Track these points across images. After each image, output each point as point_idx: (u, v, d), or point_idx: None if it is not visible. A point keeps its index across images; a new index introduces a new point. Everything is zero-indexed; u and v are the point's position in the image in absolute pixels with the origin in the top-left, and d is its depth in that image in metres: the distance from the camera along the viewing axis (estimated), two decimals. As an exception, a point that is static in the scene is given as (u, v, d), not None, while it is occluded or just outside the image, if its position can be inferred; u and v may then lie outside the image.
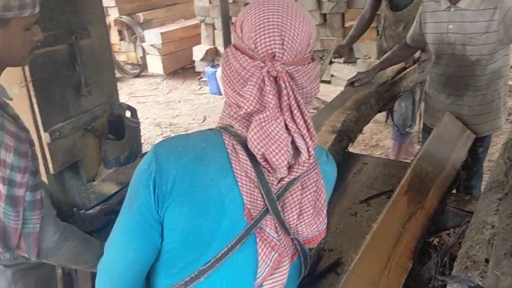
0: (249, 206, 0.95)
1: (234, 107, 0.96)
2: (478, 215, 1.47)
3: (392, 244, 1.54)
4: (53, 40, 2.01)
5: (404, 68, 3.21)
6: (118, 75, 7.49)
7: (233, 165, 0.95)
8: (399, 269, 1.49)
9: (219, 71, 6.12)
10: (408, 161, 2.54)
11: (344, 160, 2.23)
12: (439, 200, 1.87)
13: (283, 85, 0.90)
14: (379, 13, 3.71)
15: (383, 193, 1.97)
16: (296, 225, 1.00)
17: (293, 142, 0.92)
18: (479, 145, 2.52)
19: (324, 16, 5.91)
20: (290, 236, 0.99)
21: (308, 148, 0.93)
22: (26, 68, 1.94)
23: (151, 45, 7.06)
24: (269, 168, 0.94)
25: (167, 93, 6.64)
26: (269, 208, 0.95)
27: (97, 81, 2.27)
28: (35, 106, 1.99)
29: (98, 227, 1.73)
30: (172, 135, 4.92)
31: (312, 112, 5.28)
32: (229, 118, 0.98)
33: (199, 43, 7.07)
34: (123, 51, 7.84)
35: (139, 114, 5.50)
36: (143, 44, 7.23)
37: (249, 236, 0.96)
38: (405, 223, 1.65)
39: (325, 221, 1.03)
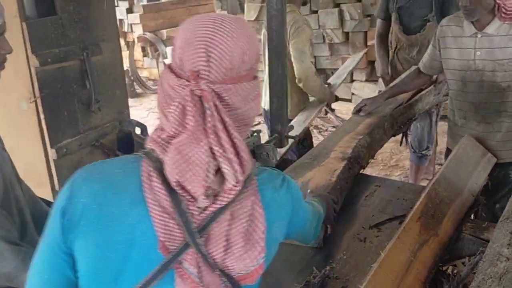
0: (162, 239, 0.86)
1: (158, 130, 0.90)
2: (493, 246, 1.38)
3: (401, 274, 1.46)
4: (64, 56, 2.02)
5: (421, 90, 3.09)
6: (139, 90, 7.58)
7: (146, 194, 0.87)
8: (407, 301, 1.41)
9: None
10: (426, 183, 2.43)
11: (356, 182, 2.16)
12: (455, 227, 1.78)
13: (206, 105, 0.83)
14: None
15: (396, 218, 1.88)
16: (224, 259, 0.88)
17: (220, 168, 0.85)
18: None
19: (346, 34, 5.86)
20: (216, 272, 0.88)
21: (235, 174, 0.85)
22: (36, 84, 1.94)
23: (173, 62, 7.11)
24: (189, 197, 0.86)
25: (187, 109, 6.65)
26: (188, 241, 0.86)
27: (108, 97, 2.27)
28: (43, 122, 2.00)
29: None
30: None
31: (330, 130, 5.22)
32: (151, 142, 0.90)
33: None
34: (146, 67, 7.93)
35: (157, 130, 5.51)
36: (165, 61, 7.30)
37: (167, 273, 0.87)
38: (416, 251, 1.57)
39: (262, 254, 0.91)
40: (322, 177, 1.91)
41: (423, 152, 3.56)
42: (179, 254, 0.86)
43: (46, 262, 0.92)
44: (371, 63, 5.36)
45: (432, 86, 3.05)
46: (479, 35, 2.24)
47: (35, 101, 1.97)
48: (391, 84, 2.87)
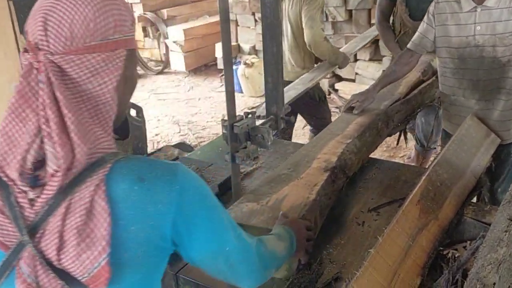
0: None
1: None
2: (494, 230, 1.33)
3: (399, 259, 1.42)
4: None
5: (421, 82, 2.89)
6: (141, 72, 7.51)
7: None
8: (404, 287, 1.37)
9: (240, 69, 6.04)
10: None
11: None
12: (456, 210, 1.73)
13: (39, 77, 0.77)
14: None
15: (395, 201, 1.83)
16: (59, 259, 0.78)
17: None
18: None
19: (349, 12, 5.75)
20: (51, 274, 0.78)
21: (56, 157, 0.77)
22: (25, 65, 1.89)
23: (174, 42, 7.03)
24: (18, 188, 0.79)
25: (188, 91, 6.60)
26: (20, 238, 0.78)
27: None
28: (34, 104, 1.95)
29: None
30: (190, 133, 4.87)
31: (334, 112, 5.14)
32: None
33: (222, 40, 7.01)
34: (147, 48, 7.84)
35: (158, 112, 5.52)
36: (166, 41, 7.22)
37: (10, 272, 0.80)
38: (415, 236, 1.52)
39: (104, 255, 0.78)
40: (300, 193, 1.65)
41: (430, 145, 3.47)
42: (17, 251, 0.79)
43: None
44: (375, 41, 5.25)
45: (434, 78, 2.84)
46: (478, 9, 2.17)
47: (26, 83, 1.91)
48: (381, 75, 2.63)
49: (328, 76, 5.96)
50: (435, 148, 3.52)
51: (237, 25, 6.70)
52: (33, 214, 0.79)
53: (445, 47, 2.34)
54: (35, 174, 0.79)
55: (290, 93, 3.37)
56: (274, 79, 1.73)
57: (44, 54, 0.78)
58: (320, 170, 1.79)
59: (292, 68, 3.55)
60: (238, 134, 1.63)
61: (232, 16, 6.62)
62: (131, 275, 0.85)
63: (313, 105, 3.69)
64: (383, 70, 4.38)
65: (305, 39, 3.30)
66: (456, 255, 1.59)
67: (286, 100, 3.39)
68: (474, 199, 1.93)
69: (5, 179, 0.80)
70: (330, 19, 5.74)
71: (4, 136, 0.79)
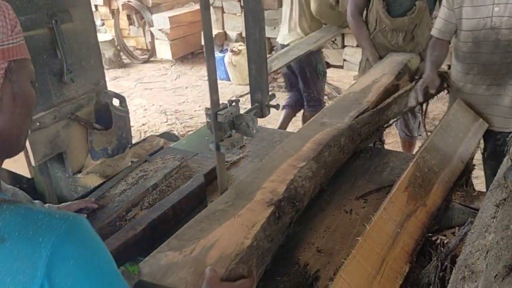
0: None
1: None
2: (482, 216, 1.32)
3: (386, 247, 1.40)
4: (31, 24, 1.90)
5: (396, 86, 2.51)
6: (127, 60, 7.41)
7: None
8: (393, 274, 1.36)
9: (227, 56, 5.97)
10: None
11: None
12: (444, 196, 1.72)
13: None
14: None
15: (383, 188, 1.81)
16: None
17: None
18: None
19: (336, -2, 5.70)
20: None
21: None
22: (1, 55, 1.83)
23: (159, 30, 6.93)
24: None
25: (175, 79, 6.53)
26: None
27: (82, 67, 2.15)
28: (12, 95, 1.89)
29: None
30: (178, 122, 4.82)
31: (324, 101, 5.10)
32: None
33: (208, 27, 6.92)
34: (132, 36, 7.73)
35: (145, 101, 5.45)
36: (152, 29, 7.11)
37: None
38: (403, 223, 1.51)
39: None
40: (233, 237, 1.31)
41: (415, 134, 3.43)
42: None
43: None
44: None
45: (413, 83, 2.49)
46: None
47: (3, 73, 1.85)
48: (430, 63, 2.42)
49: (316, 62, 5.92)
50: (420, 135, 3.47)
51: (223, 12, 6.62)
52: None
53: (462, 31, 2.29)
54: None
55: (293, 52, 3.33)
56: (258, 66, 1.68)
57: None
58: (263, 205, 1.45)
59: (298, 36, 3.51)
60: (222, 123, 1.59)
61: (218, 3, 6.55)
62: None
63: (312, 78, 3.65)
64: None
65: (312, 10, 3.30)
66: (444, 241, 1.58)
67: (289, 59, 3.39)
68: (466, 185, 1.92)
69: None
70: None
71: None
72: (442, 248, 1.49)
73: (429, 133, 2.26)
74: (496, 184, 1.37)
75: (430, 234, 1.59)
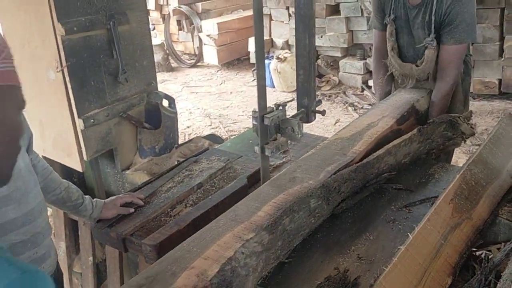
0: None
1: None
2: (530, 232, 1.28)
3: (429, 257, 1.39)
4: (90, 25, 1.99)
5: (397, 132, 2.10)
6: (174, 64, 7.59)
7: None
8: (435, 286, 1.34)
9: (273, 63, 6.02)
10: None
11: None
12: (490, 210, 1.68)
13: None
14: None
15: (427, 200, 1.79)
16: None
17: None
18: None
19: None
20: None
21: None
22: (62, 53, 1.93)
23: (208, 35, 7.07)
24: None
25: (220, 84, 6.63)
26: None
27: (135, 68, 2.24)
28: (70, 91, 1.99)
29: (109, 217, 1.68)
30: (221, 126, 4.89)
31: (366, 109, 5.06)
32: None
33: (255, 34, 7.00)
34: (181, 41, 7.91)
35: (190, 104, 5.57)
36: (200, 34, 7.26)
37: None
38: (447, 235, 1.49)
39: None
40: None
41: None
42: None
43: None
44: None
45: (415, 131, 2.03)
46: None
47: (62, 70, 1.96)
48: None
49: (362, 72, 5.88)
50: None
51: (270, 19, 6.67)
52: None
53: None
54: None
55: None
56: (306, 71, 1.71)
57: None
58: None
59: None
60: (268, 126, 1.62)
61: (265, 10, 6.61)
62: None
63: None
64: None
65: None
66: (489, 256, 1.54)
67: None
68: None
69: None
70: (365, 14, 5.64)
71: None
72: (486, 263, 1.46)
73: (476, 147, 2.15)
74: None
75: (474, 249, 1.56)
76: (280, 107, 1.67)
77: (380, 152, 1.86)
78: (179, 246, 1.34)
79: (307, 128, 1.90)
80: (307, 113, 1.79)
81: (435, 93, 2.44)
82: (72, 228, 2.33)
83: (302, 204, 1.51)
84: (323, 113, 1.81)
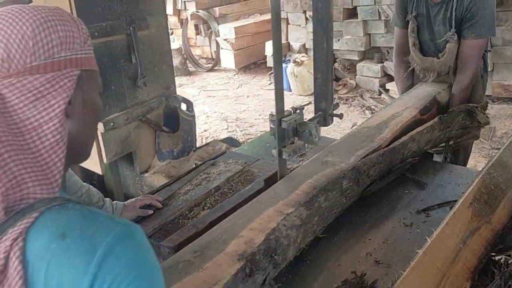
0: None
1: None
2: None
3: (448, 262, 1.38)
4: (111, 30, 2.03)
5: (419, 122, 2.23)
6: (192, 68, 7.65)
7: None
8: (454, 290, 1.33)
9: (289, 67, 6.03)
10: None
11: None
12: (510, 215, 1.66)
13: None
14: None
15: (446, 203, 1.78)
16: None
17: None
18: None
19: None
20: None
21: None
22: (83, 58, 1.97)
23: (225, 40, 7.11)
24: None
25: (237, 88, 6.66)
26: None
27: (154, 72, 2.27)
28: (91, 95, 2.02)
29: (129, 218, 1.70)
30: (238, 130, 4.91)
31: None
32: None
33: (272, 38, 7.01)
34: (199, 45, 7.97)
35: (208, 108, 5.60)
36: (217, 39, 7.30)
37: None
38: (466, 239, 1.48)
39: None
40: None
41: None
42: None
43: None
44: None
45: (436, 119, 2.21)
46: None
47: (83, 75, 1.99)
48: None
49: (379, 75, 5.85)
50: None
51: (287, 23, 6.69)
52: None
53: None
54: None
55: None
56: (324, 75, 1.72)
57: None
58: (233, 257, 1.26)
59: None
60: (286, 129, 1.63)
61: (283, 14, 6.62)
62: None
63: None
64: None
65: None
66: (509, 261, 1.53)
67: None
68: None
69: None
70: (383, 18, 5.62)
71: None
72: (506, 268, 1.44)
73: (496, 151, 2.16)
74: None
75: (493, 253, 1.55)
76: (298, 111, 1.68)
77: (404, 138, 2.00)
78: (225, 220, 1.48)
79: (324, 131, 1.95)
80: (324, 116, 1.79)
81: (456, 86, 2.54)
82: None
83: (335, 184, 1.64)
84: (340, 116, 1.81)
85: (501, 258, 1.59)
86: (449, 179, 1.97)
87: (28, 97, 0.73)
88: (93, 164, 2.20)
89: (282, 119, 1.63)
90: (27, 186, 0.71)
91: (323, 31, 1.66)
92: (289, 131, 1.64)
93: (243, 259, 1.25)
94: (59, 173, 0.76)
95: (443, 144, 2.37)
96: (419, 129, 2.09)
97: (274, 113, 1.64)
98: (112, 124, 2.09)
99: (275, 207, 1.50)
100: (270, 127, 1.67)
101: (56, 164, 0.75)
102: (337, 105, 1.86)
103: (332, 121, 1.83)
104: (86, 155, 0.88)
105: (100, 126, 2.06)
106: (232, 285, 1.19)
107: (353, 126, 4.93)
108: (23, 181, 0.71)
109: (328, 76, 1.73)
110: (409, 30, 2.61)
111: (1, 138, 0.70)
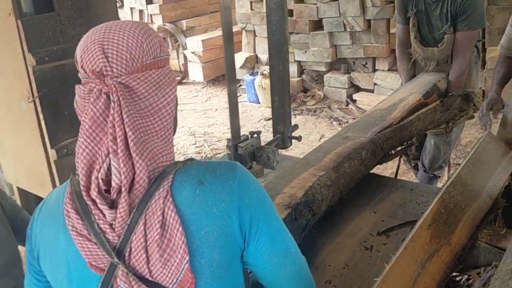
0: (88, 260, 0.86)
1: None
2: (506, 261, 1.26)
3: (407, 288, 1.36)
4: (62, 54, 1.96)
5: (423, 105, 2.59)
6: (160, 82, 7.55)
7: (66, 220, 0.88)
8: (413, 318, 1.31)
9: (257, 79, 6.02)
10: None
11: (366, 183, 2.05)
12: (469, 234, 1.66)
13: (111, 98, 0.84)
14: None
15: (406, 224, 1.77)
16: (150, 272, 0.85)
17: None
18: None
19: (368, 22, 5.68)
20: (146, 285, 0.85)
21: (119, 171, 0.82)
22: (33, 83, 1.90)
23: (192, 53, 7.06)
24: (100, 214, 0.85)
25: (206, 101, 6.61)
26: (112, 260, 0.85)
27: (110, 95, 2.21)
28: (42, 122, 1.95)
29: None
30: (206, 145, 4.83)
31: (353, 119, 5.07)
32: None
33: (240, 50, 7.00)
34: (166, 58, 7.89)
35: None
36: (185, 52, 7.24)
37: None
38: (425, 263, 1.46)
39: (184, 262, 0.84)
40: None
41: (435, 172, 3.21)
42: (111, 271, 0.86)
43: (28, 283, 1.01)
44: (394, 51, 5.16)
45: (438, 102, 2.64)
46: None
47: (34, 101, 1.92)
48: (496, 80, 2.60)
49: (346, 86, 5.90)
50: (440, 176, 3.27)
51: (255, 35, 6.69)
52: (116, 237, 0.85)
53: None
54: (109, 197, 0.84)
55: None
56: (281, 98, 1.70)
57: (110, 78, 0.84)
58: (281, 207, 1.55)
59: None
60: (243, 155, 1.60)
61: (250, 27, 6.63)
62: (212, 281, 0.88)
63: None
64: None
65: None
66: (469, 282, 1.52)
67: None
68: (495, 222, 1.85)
69: (89, 202, 0.85)
70: (348, 29, 5.67)
71: (84, 160, 0.84)
72: (466, 289, 1.44)
73: (457, 166, 2.21)
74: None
75: (455, 274, 1.54)
76: (255, 135, 1.65)
77: (412, 117, 2.38)
78: (269, 181, 1.77)
79: (293, 144, 2.05)
80: (283, 139, 1.77)
81: (452, 73, 2.88)
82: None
83: (356, 154, 1.97)
84: (299, 139, 1.79)
85: (461, 278, 1.58)
86: (410, 197, 1.97)
87: (151, 87, 0.88)
88: (47, 192, 2.11)
89: (239, 144, 1.59)
90: (158, 157, 0.88)
91: (278, 54, 1.64)
92: (246, 156, 1.61)
93: (289, 208, 1.54)
94: (172, 145, 0.93)
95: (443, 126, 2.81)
96: (423, 110, 2.49)
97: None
98: (65, 150, 2.01)
99: (309, 171, 1.80)
100: (227, 153, 1.64)
101: (171, 137, 0.93)
102: (296, 126, 1.84)
103: (291, 143, 1.81)
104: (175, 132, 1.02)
105: (53, 153, 1.99)
106: (286, 223, 1.39)
107: (321, 138, 4.94)
108: (155, 154, 0.88)
109: (285, 98, 1.71)
110: (410, 25, 2.95)
111: (136, 122, 0.85)
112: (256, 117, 5.67)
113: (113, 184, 0.83)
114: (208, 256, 0.87)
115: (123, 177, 0.82)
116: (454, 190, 1.76)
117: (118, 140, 0.82)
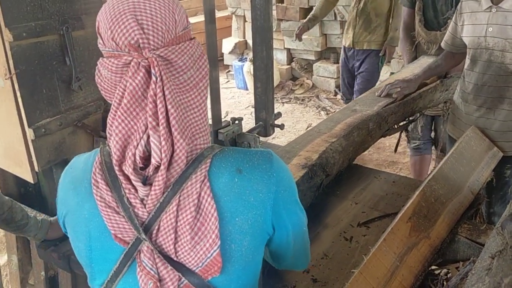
0: (113, 232, 0.86)
1: None
2: (484, 257, 1.25)
3: (383, 281, 1.35)
4: (41, 31, 1.89)
5: (424, 85, 2.73)
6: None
7: (93, 189, 0.87)
8: (388, 311, 1.30)
9: (246, 65, 5.96)
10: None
11: (348, 174, 2.03)
12: (449, 228, 1.65)
13: (153, 71, 0.80)
14: None
15: (386, 216, 1.76)
16: (176, 252, 0.85)
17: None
18: (508, 166, 2.25)
19: (358, 12, 5.64)
20: (170, 264, 0.85)
21: (159, 150, 0.80)
22: (10, 60, 1.83)
23: (181, 36, 6.97)
24: (131, 188, 0.84)
25: (193, 86, 6.54)
26: (138, 235, 0.84)
27: (91, 75, 2.13)
28: (19, 100, 1.89)
29: (55, 237, 1.60)
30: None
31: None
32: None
33: (230, 35, 6.93)
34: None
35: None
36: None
37: (131, 263, 0.88)
38: (403, 256, 1.45)
39: (215, 247, 0.84)
40: None
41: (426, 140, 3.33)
42: (136, 245, 0.86)
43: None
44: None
45: (438, 81, 2.76)
46: (493, 9, 2.09)
47: (11, 78, 1.86)
48: (424, 68, 2.61)
49: (335, 76, 5.87)
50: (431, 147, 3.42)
51: (244, 20, 6.62)
52: (146, 213, 0.84)
53: (467, 48, 2.28)
54: (144, 173, 0.83)
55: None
56: (264, 84, 1.66)
57: (148, 50, 0.81)
58: (298, 167, 1.73)
59: None
60: (224, 141, 1.56)
61: (240, 12, 6.56)
62: (239, 265, 0.88)
63: None
64: (391, 72, 4.27)
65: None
66: (448, 275, 1.52)
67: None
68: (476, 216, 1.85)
69: (121, 177, 0.84)
70: (338, 18, 5.63)
71: (119, 135, 0.82)
72: (442, 284, 1.43)
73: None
74: (496, 232, 1.30)
75: (434, 268, 1.54)
76: (236, 121, 1.61)
77: (414, 94, 2.57)
78: (286, 145, 2.01)
79: (278, 132, 2.12)
80: (265, 126, 1.73)
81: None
82: (24, 241, 2.23)
83: (364, 124, 2.16)
84: (281, 127, 1.76)
85: (440, 272, 1.58)
86: (392, 189, 1.96)
87: (187, 60, 0.85)
88: (24, 172, 2.06)
89: (219, 130, 1.56)
90: (196, 138, 0.86)
91: (262, 40, 1.60)
92: (226, 142, 1.57)
93: (305, 168, 1.72)
94: (208, 126, 0.90)
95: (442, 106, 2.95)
96: (425, 88, 2.66)
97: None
98: (43, 130, 1.95)
99: (322, 137, 1.99)
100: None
101: (207, 116, 0.90)
102: (279, 114, 1.80)
103: (274, 131, 1.78)
104: None
105: (31, 133, 1.93)
106: (302, 183, 1.66)
107: (308, 127, 4.92)
108: (193, 135, 0.86)
109: (268, 85, 1.67)
110: (416, 8, 3.06)
111: (177, 98, 0.82)
112: (244, 103, 5.62)
113: (152, 161, 0.80)
114: (239, 241, 0.87)
115: (163, 155, 0.80)
116: (436, 184, 1.75)
117: (160, 116, 0.80)
